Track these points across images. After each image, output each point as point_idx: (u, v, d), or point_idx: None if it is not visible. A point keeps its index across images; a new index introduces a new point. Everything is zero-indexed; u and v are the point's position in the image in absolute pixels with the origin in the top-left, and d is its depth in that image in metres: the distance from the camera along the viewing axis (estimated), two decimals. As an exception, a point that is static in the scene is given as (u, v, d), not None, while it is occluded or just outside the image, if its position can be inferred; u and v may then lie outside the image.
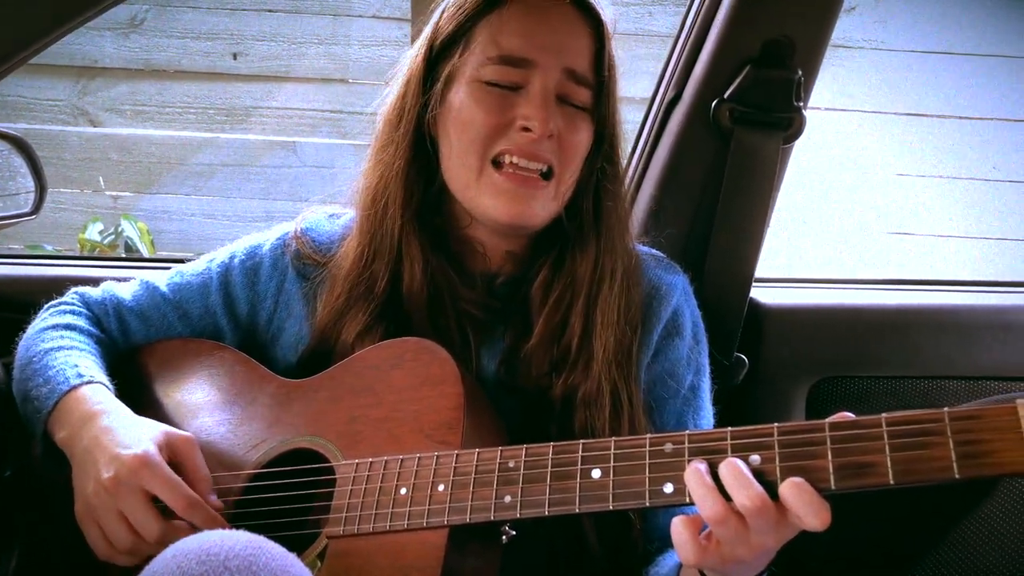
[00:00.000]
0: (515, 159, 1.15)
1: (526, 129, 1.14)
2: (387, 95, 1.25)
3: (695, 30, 1.56)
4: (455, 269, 1.23)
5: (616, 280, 1.20)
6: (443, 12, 1.22)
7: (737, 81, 1.51)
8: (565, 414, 1.18)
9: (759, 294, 1.66)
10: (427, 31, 1.23)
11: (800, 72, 1.51)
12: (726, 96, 1.52)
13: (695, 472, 0.90)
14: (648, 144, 1.63)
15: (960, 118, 3.24)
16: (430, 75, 1.21)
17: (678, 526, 0.91)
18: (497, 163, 1.16)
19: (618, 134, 1.23)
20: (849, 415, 0.89)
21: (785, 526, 0.88)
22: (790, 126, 1.53)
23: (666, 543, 1.16)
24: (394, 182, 1.21)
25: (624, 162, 1.25)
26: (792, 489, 0.86)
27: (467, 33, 1.18)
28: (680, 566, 1.07)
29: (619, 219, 1.23)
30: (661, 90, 1.64)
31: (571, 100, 1.17)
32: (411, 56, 1.24)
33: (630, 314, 1.20)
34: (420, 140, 1.21)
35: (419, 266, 1.20)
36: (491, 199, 1.16)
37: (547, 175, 1.17)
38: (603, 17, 1.19)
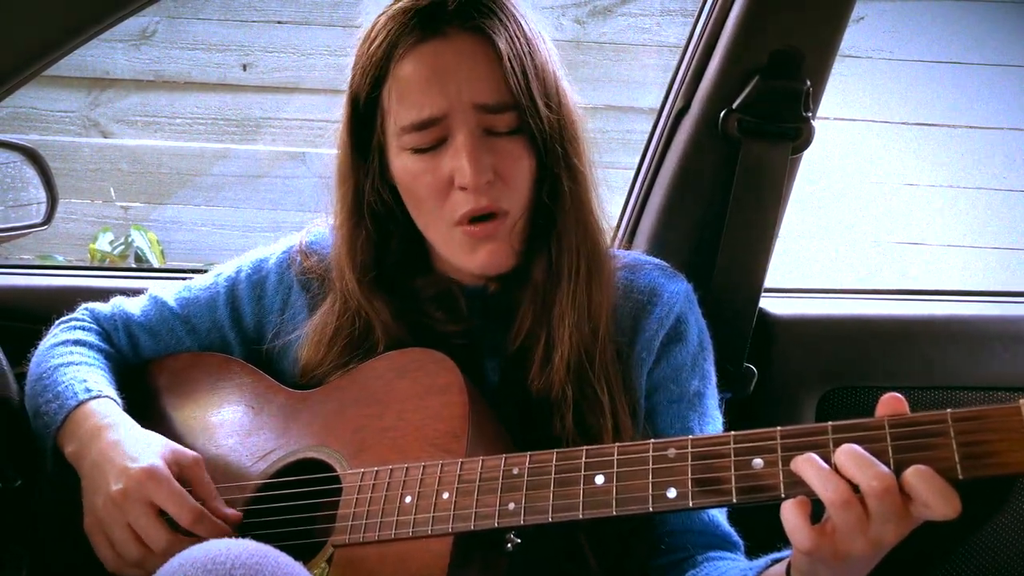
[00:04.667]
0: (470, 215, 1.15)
1: (463, 187, 1.13)
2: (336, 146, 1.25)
3: (703, 41, 1.56)
4: (434, 299, 1.23)
5: (576, 280, 1.18)
6: (355, 71, 1.19)
7: (746, 91, 1.50)
8: (546, 416, 1.17)
9: (768, 304, 1.65)
10: (347, 93, 1.20)
11: (809, 82, 1.50)
12: (734, 106, 1.51)
13: (808, 460, 0.86)
14: (656, 154, 1.63)
15: (970, 128, 3.22)
16: (361, 143, 1.20)
17: (789, 511, 0.86)
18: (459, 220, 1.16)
19: (569, 133, 1.18)
20: (898, 396, 0.87)
21: (906, 516, 0.84)
22: (799, 136, 1.52)
23: (697, 549, 1.15)
24: (346, 252, 1.22)
25: (584, 153, 1.21)
26: (918, 476, 0.82)
27: (377, 102, 1.17)
28: (768, 565, 1.02)
29: (578, 217, 1.19)
30: (669, 100, 1.63)
31: (498, 130, 1.14)
32: (342, 116, 1.22)
33: (591, 312, 1.18)
34: (361, 206, 1.21)
35: (389, 316, 1.21)
36: (461, 255, 1.17)
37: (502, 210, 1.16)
38: (491, 32, 1.13)
